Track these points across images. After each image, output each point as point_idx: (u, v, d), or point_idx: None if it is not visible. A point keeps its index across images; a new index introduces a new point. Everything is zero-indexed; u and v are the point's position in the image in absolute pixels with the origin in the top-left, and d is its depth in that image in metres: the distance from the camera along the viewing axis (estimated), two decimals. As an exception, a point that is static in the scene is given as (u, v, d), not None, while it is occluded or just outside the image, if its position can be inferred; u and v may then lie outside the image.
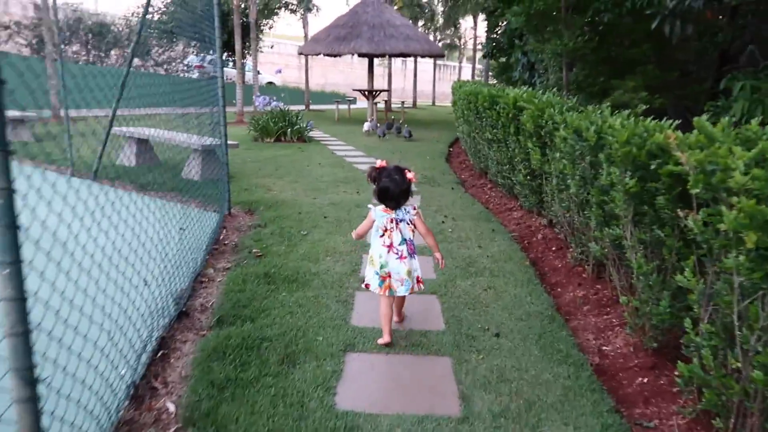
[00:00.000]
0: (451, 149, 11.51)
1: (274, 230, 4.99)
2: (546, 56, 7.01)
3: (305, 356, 2.82)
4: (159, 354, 2.79)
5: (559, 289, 3.95)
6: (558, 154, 4.03)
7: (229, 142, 7.33)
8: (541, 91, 6.02)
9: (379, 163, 2.97)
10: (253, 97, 11.76)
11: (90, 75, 6.53)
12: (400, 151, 10.81)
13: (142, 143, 7.87)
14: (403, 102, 19.53)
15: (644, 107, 6.18)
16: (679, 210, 2.21)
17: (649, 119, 2.89)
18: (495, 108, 6.03)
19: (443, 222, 5.46)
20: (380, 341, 2.94)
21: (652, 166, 2.51)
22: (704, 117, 3.88)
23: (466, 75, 48.01)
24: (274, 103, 11.53)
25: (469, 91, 7.05)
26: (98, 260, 2.48)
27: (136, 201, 3.43)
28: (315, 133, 13.29)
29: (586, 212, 3.62)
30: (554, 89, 7.13)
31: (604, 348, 3.04)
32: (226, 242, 4.73)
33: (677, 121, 2.67)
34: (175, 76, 22.55)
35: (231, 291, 3.57)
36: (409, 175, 2.89)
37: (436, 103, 33.60)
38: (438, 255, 2.98)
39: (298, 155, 9.71)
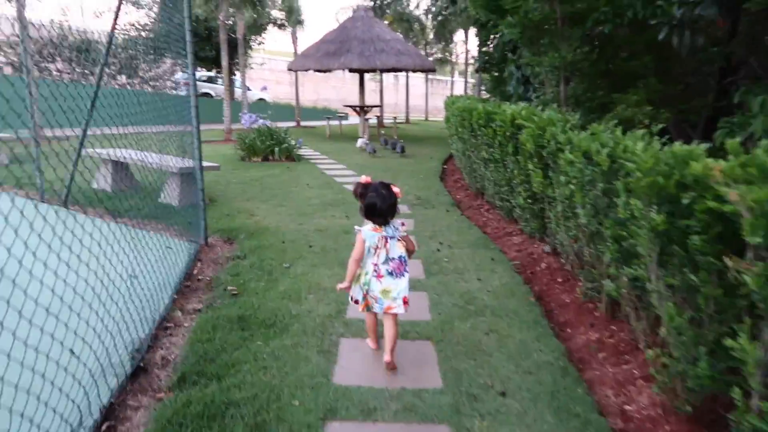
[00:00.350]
0: (445, 167, 11.13)
1: (254, 262, 4.56)
2: (543, 70, 6.66)
3: (277, 427, 2.39)
4: (103, 429, 2.35)
5: (569, 330, 3.54)
6: (563, 178, 3.64)
7: (208, 163, 6.95)
8: (540, 107, 5.65)
9: (364, 178, 2.92)
10: (240, 114, 11.37)
11: (69, 93, 6.16)
12: (392, 169, 10.42)
13: (119, 165, 7.45)
14: (395, 117, 19.21)
15: (647, 122, 5.82)
16: (727, 259, 1.81)
17: (660, 139, 2.51)
18: (491, 126, 5.65)
19: (439, 250, 5.05)
20: (369, 344, 3.13)
21: (685, 201, 2.12)
22: (718, 134, 3.47)
23: (459, 89, 47.94)
24: (261, 121, 11.15)
25: (463, 107, 6.69)
26: (43, 303, 2.06)
27: (101, 229, 3.02)
28: (305, 151, 12.90)
29: (599, 246, 3.23)
30: (553, 104, 6.77)
31: (627, 407, 2.62)
32: (199, 278, 4.29)
33: (704, 145, 2.28)
34: (158, 92, 22.23)
35: (198, 340, 3.14)
36: (396, 189, 2.86)
37: (428, 118, 33.37)
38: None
39: (285, 176, 9.31)
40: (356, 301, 2.93)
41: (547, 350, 3.12)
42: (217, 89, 26.39)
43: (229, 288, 3.98)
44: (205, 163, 6.77)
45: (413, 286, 4.06)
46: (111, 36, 6.08)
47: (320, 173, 9.73)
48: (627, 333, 3.25)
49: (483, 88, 24.50)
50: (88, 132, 6.86)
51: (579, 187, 3.27)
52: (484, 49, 15.12)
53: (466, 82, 28.94)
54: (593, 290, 3.65)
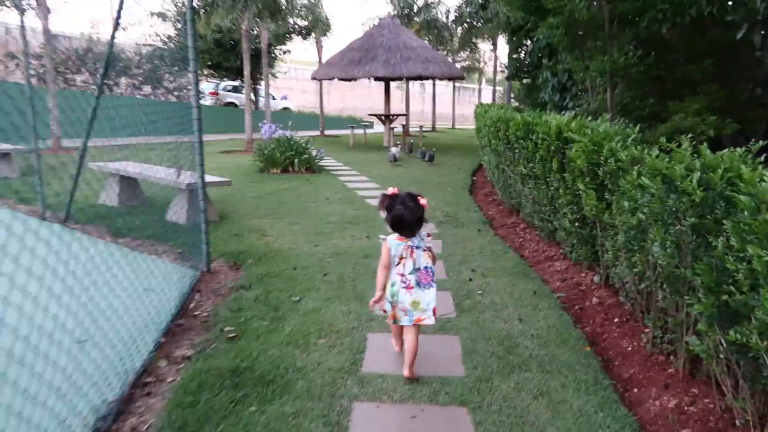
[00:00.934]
0: (474, 178, 10.47)
1: (260, 295, 3.99)
2: (589, 76, 5.98)
3: None
4: None
5: (635, 390, 2.86)
6: (628, 204, 2.98)
7: (215, 178, 6.41)
8: (585, 117, 4.99)
9: (390, 190, 2.86)
10: (260, 124, 10.92)
11: (88, 103, 5.71)
12: (417, 181, 9.81)
13: (126, 179, 6.99)
14: (421, 126, 18.61)
15: (711, 133, 5.12)
16: None
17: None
18: (531, 138, 5.01)
19: (471, 279, 4.41)
20: (394, 346, 3.09)
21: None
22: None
23: (486, 97, 47.21)
24: (281, 131, 10.66)
25: (498, 117, 6.06)
26: None
27: (93, 255, 2.47)
28: (326, 162, 12.38)
29: (680, 292, 2.56)
30: (600, 113, 6.10)
31: None
32: (195, 313, 3.73)
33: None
34: (162, 102, 22.09)
35: (179, 404, 2.56)
36: (422, 201, 2.80)
37: (455, 126, 32.71)
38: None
39: (304, 189, 8.76)
40: (385, 311, 2.88)
41: (614, 424, 2.46)
42: (242, 99, 26.15)
43: (226, 329, 3.40)
44: (212, 178, 6.26)
45: (442, 326, 3.47)
46: (111, 43, 5.61)
47: (341, 186, 9.16)
48: (715, 399, 2.56)
49: (512, 96, 23.81)
50: (98, 143, 6.43)
51: (654, 218, 2.61)
52: (515, 55, 14.47)
53: (494, 90, 28.21)
54: (666, 342, 2.97)
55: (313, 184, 9.30)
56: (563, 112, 9.72)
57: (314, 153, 10.94)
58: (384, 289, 2.82)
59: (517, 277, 4.50)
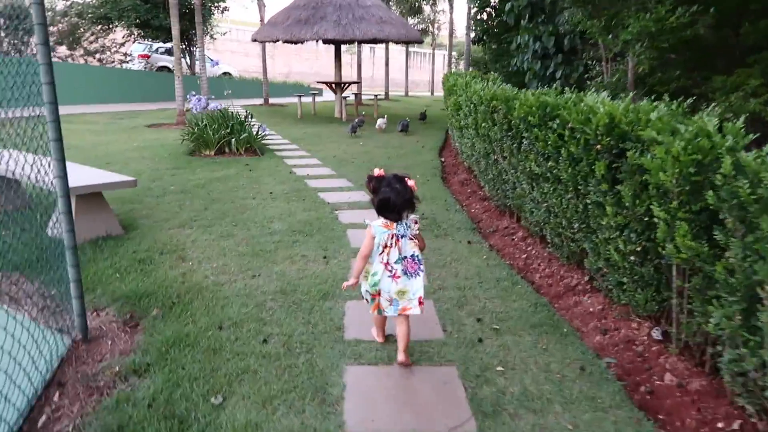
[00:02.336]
0: (443, 160, 9.07)
1: (159, 393, 2.48)
2: (621, 41, 4.58)
3: None
4: None
5: None
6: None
7: (112, 178, 4.66)
8: (604, 94, 3.63)
9: (377, 171, 2.66)
10: (188, 96, 9.14)
11: None
12: (378, 163, 8.32)
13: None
14: (376, 96, 17.01)
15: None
16: None
17: None
18: (550, 127, 3.61)
19: (480, 341, 3.03)
20: (376, 338, 2.94)
21: None
22: None
23: (439, 62, 45.67)
24: (213, 104, 8.88)
25: (493, 94, 4.61)
26: None
27: None
28: (271, 139, 10.70)
29: None
30: (619, 89, 4.77)
31: None
32: (44, 439, 2.21)
33: None
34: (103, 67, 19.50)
35: None
36: (410, 182, 2.60)
37: (409, 94, 31.16)
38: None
39: (242, 178, 7.14)
40: (367, 300, 2.78)
41: None
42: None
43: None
44: (108, 178, 4.58)
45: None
46: None
47: (288, 173, 7.58)
48: None
49: (470, 61, 22.40)
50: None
51: None
52: (480, 17, 13.02)
53: (449, 55, 26.73)
54: None
55: (254, 170, 7.68)
56: (553, 85, 8.38)
57: (256, 130, 9.26)
58: (359, 276, 2.72)
59: (545, 332, 3.15)
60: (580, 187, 3.33)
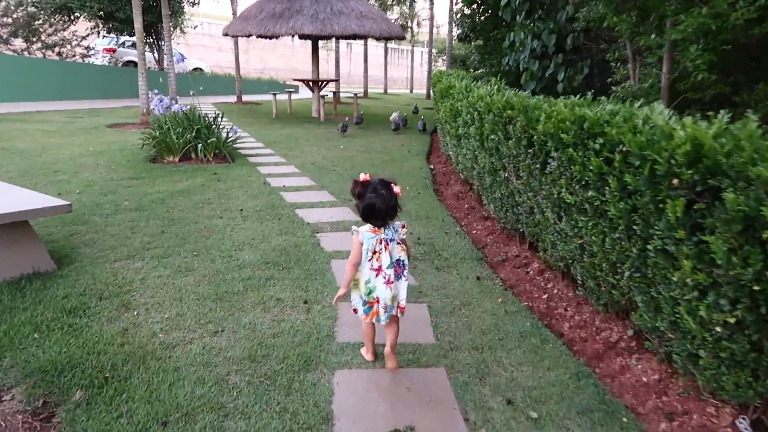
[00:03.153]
0: (432, 167, 8.31)
1: None
2: (666, 40, 3.85)
3: None
4: None
5: None
6: None
7: (51, 202, 3.75)
8: (631, 103, 2.90)
9: (362, 176, 2.58)
10: (151, 95, 8.21)
11: None
12: (366, 171, 7.53)
13: None
14: (356, 94, 16.18)
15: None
16: None
17: None
18: (590, 147, 2.86)
19: (517, 437, 2.27)
20: (364, 355, 2.82)
21: None
22: None
23: (417, 59, 44.94)
24: (177, 105, 7.95)
25: (506, 102, 3.81)
26: None
27: None
28: (244, 142, 9.82)
29: None
30: (646, 98, 4.06)
31: None
32: None
33: None
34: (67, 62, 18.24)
35: None
36: (396, 189, 2.56)
37: (388, 91, 30.39)
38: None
39: (209, 191, 6.28)
40: (355, 310, 2.69)
41: None
42: (147, 57, 22.46)
43: None
44: (36, 203, 3.67)
45: None
46: None
47: (262, 184, 6.73)
48: None
49: (451, 60, 21.73)
50: None
51: None
52: (470, 10, 12.30)
53: (430, 52, 26.00)
54: None
55: (223, 181, 6.81)
56: (558, 87, 7.72)
57: (227, 133, 8.38)
58: (349, 286, 2.65)
59: (598, 422, 2.40)
60: (636, 228, 2.58)
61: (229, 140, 8.29)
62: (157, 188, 6.28)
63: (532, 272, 4.11)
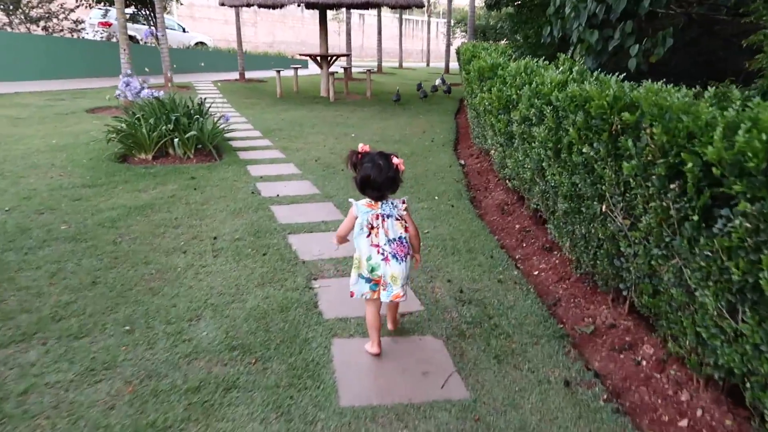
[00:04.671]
0: (462, 163, 6.79)
1: None
2: None
3: None
4: None
5: None
6: None
7: None
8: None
9: (362, 147, 2.44)
10: (120, 77, 6.70)
11: None
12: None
13: None
14: (369, 70, 14.54)
15: None
16: None
17: None
18: None
19: None
20: (369, 349, 2.61)
21: None
22: None
23: (433, 32, 42.86)
24: (147, 91, 6.43)
25: (617, 97, 2.27)
26: None
27: None
28: (238, 130, 8.32)
29: None
30: None
31: None
32: None
33: None
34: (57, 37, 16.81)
35: None
36: (396, 161, 2.41)
37: (403, 65, 28.60)
38: (417, 256, 2.60)
39: (179, 206, 4.82)
40: (351, 294, 2.55)
41: None
42: (142, 31, 20.88)
43: None
44: None
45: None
46: None
47: (250, 193, 5.26)
48: None
49: (473, 32, 19.98)
50: None
51: None
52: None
53: (449, 22, 24.10)
54: None
55: (200, 188, 5.35)
56: (629, 63, 6.00)
57: (215, 122, 6.90)
58: (345, 233, 2.56)
59: None
60: None
61: (216, 131, 6.80)
62: (113, 201, 4.84)
63: (645, 363, 2.62)
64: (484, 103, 5.09)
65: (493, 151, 5.21)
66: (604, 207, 2.68)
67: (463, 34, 28.25)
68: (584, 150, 2.69)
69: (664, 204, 2.12)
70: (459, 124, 9.85)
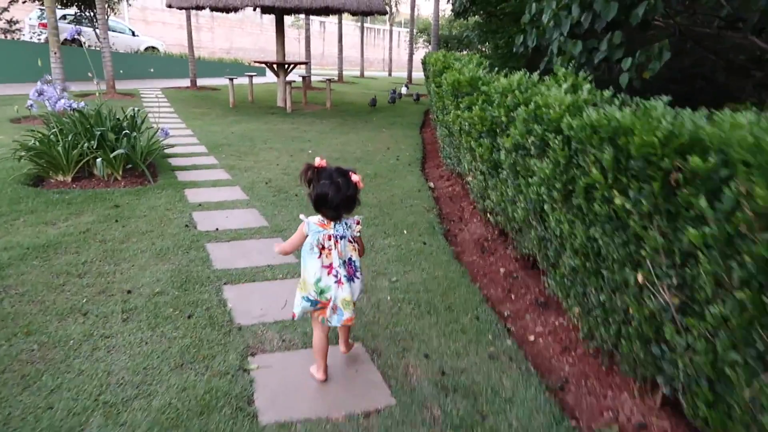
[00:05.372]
0: (431, 185, 6.08)
1: None
2: None
3: None
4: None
5: None
6: None
7: None
8: None
9: (318, 161, 2.23)
10: (38, 85, 5.74)
11: None
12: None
13: None
14: (329, 79, 13.76)
15: None
16: None
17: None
18: None
19: None
20: (314, 373, 2.44)
21: None
22: None
23: (395, 41, 42.46)
24: (63, 102, 5.46)
25: (687, 132, 1.65)
26: None
27: None
28: (179, 146, 7.41)
29: None
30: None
31: None
32: None
33: None
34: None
35: None
36: (355, 178, 2.21)
37: (364, 74, 27.95)
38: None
39: (91, 244, 3.92)
40: (293, 315, 2.35)
41: None
42: (88, 34, 19.56)
43: None
44: None
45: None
46: None
47: (183, 227, 4.39)
48: None
49: (435, 41, 19.54)
50: None
51: None
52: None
53: (412, 31, 23.56)
54: None
55: (123, 220, 4.45)
56: (623, 87, 5.46)
57: (150, 137, 6.00)
58: (290, 250, 2.35)
59: None
60: None
61: (154, 148, 5.90)
62: (8, 239, 3.92)
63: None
64: (460, 123, 4.38)
65: (470, 178, 4.50)
66: (641, 277, 1.98)
67: (426, 43, 27.80)
68: (615, 200, 1.98)
69: (761, 299, 1.42)
70: (425, 140, 9.17)
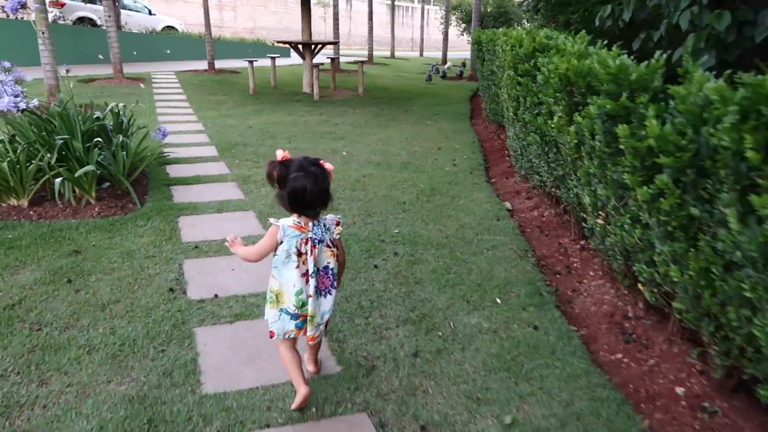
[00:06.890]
0: (509, 206, 4.54)
1: None
2: None
3: None
4: None
5: None
6: None
7: None
8: None
9: (280, 154, 1.91)
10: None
11: None
12: (395, 225, 3.78)
13: None
14: (361, 62, 12.17)
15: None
16: None
17: None
18: None
19: None
20: (300, 392, 1.99)
21: None
22: None
23: (426, 18, 40.36)
24: (8, 100, 4.03)
25: None
26: None
27: None
28: (183, 146, 5.95)
29: None
30: None
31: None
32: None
33: None
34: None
35: None
36: (328, 166, 1.92)
37: (395, 55, 26.23)
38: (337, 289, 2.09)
39: (15, 336, 2.48)
40: (272, 334, 1.99)
41: None
42: (98, 13, 18.20)
43: None
44: None
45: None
46: None
47: (166, 290, 2.93)
48: None
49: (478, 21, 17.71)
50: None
51: None
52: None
53: (447, 7, 21.72)
54: None
55: (77, 280, 3.01)
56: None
57: (138, 141, 4.55)
58: (258, 257, 2.00)
59: None
60: None
61: (142, 155, 4.45)
62: None
63: None
64: (584, 135, 2.81)
65: (600, 221, 2.91)
66: None
67: (459, 21, 25.87)
68: None
69: None
70: (480, 135, 7.59)
